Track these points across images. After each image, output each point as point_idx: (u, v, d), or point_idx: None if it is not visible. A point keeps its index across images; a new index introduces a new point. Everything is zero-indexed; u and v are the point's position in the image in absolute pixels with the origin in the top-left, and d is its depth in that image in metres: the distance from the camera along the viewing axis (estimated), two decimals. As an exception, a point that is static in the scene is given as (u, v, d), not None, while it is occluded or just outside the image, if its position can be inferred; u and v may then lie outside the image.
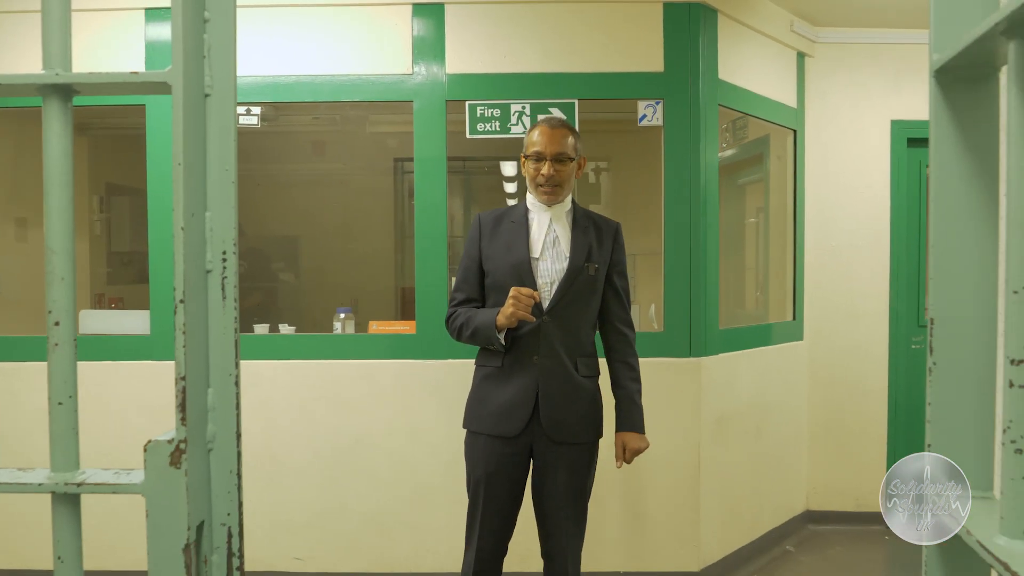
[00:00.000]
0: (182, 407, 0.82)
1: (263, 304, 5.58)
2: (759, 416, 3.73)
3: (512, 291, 2.20)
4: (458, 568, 3.30)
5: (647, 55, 3.26)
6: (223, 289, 0.87)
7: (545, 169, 2.31)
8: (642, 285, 4.62)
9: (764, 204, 4.45)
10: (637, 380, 2.43)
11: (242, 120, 3.27)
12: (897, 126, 4.09)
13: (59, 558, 0.84)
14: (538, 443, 2.33)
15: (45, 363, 2.93)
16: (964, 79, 0.87)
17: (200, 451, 0.85)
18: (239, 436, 0.88)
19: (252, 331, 3.40)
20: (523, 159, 2.39)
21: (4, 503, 3.25)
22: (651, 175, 3.47)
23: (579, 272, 2.34)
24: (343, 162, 5.87)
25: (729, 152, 4.53)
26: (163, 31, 3.25)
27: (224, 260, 0.87)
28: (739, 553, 3.61)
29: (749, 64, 3.62)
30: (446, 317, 2.45)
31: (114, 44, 3.24)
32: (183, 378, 0.82)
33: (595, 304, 2.41)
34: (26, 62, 3.27)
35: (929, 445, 0.87)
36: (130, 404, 3.22)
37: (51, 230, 0.84)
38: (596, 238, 2.40)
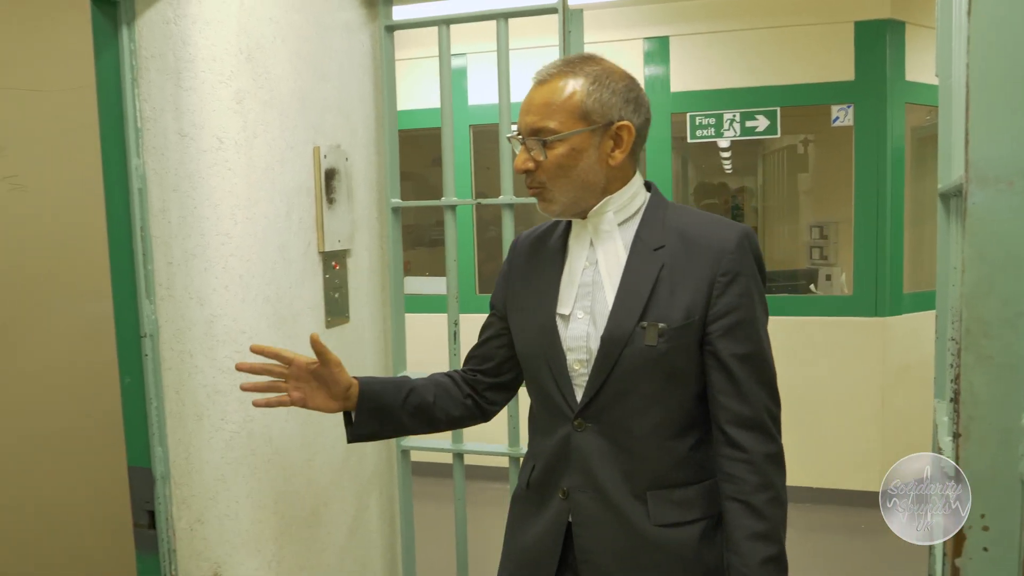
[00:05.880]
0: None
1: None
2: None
3: None
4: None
5: (839, 66, 3.91)
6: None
7: (519, 157, 1.32)
8: (843, 251, 5.17)
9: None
10: (769, 537, 1.23)
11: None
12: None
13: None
14: None
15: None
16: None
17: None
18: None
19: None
20: None
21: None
22: (848, 148, 4.08)
23: (626, 339, 1.26)
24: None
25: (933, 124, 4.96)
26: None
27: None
28: (920, 482, 4.23)
29: (939, 60, 4.11)
30: None
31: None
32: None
33: (679, 392, 1.30)
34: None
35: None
36: (439, 342, 4.45)
37: (450, 280, 1.87)
38: (677, 267, 1.28)
